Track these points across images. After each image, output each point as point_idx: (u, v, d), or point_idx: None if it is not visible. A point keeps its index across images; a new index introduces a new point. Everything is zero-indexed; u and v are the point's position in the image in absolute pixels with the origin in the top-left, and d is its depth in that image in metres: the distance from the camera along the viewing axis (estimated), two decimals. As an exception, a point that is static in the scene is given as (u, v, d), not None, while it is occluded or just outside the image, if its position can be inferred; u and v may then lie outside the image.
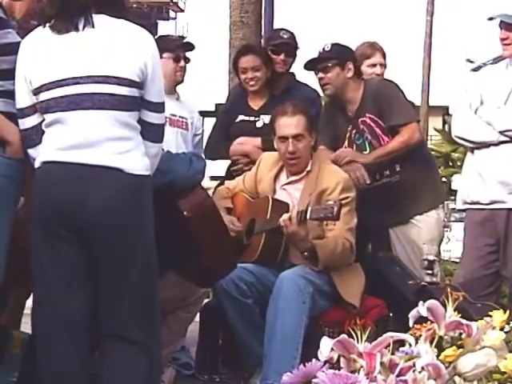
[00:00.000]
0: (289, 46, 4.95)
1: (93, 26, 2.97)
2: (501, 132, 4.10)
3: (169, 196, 3.28)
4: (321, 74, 4.58)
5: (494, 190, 4.13)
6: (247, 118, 4.87)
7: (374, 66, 5.02)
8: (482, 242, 4.20)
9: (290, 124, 4.18)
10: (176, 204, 3.35)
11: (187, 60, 4.75)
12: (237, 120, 4.89)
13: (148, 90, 3.02)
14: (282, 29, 5.14)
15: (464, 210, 4.36)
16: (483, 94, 4.23)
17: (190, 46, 4.82)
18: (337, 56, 4.56)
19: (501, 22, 4.18)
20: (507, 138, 4.10)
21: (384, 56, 5.13)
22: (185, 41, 4.97)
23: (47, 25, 3.00)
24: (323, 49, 4.60)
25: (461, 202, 4.32)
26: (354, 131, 4.60)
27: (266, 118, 4.78)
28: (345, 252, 3.97)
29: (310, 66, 4.64)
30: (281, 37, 4.96)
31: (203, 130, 5.06)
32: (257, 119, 4.85)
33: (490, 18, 4.21)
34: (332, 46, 4.61)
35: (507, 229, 4.13)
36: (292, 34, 5.02)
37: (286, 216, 3.88)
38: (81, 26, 2.97)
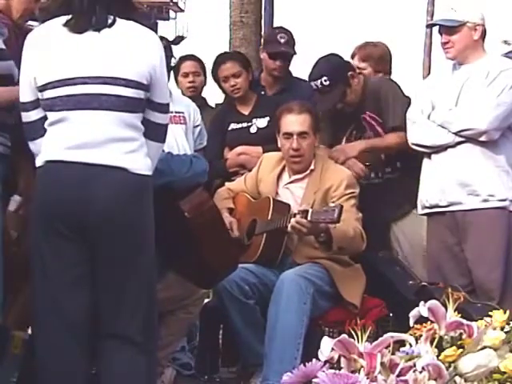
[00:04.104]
0: (285, 53, 4.91)
1: (105, 27, 2.96)
2: (456, 133, 4.09)
3: (169, 196, 3.28)
4: (339, 105, 4.53)
5: (453, 192, 4.11)
6: (239, 126, 4.81)
7: None
8: (452, 242, 4.17)
9: (295, 121, 4.17)
10: (177, 205, 3.35)
11: None
12: (229, 129, 4.83)
13: (154, 91, 3.02)
14: (280, 29, 5.08)
15: (426, 215, 4.31)
16: (433, 98, 4.22)
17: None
18: (339, 80, 4.48)
19: (440, 27, 4.19)
20: (463, 139, 4.08)
21: (368, 60, 4.95)
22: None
23: (59, 22, 2.97)
24: (321, 83, 4.45)
25: (420, 207, 4.30)
26: (354, 131, 4.59)
27: (258, 122, 4.76)
28: (357, 237, 3.97)
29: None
30: (278, 42, 4.90)
31: (204, 123, 4.99)
32: (249, 124, 4.80)
33: (430, 25, 4.22)
34: (327, 76, 4.45)
35: (464, 230, 4.12)
36: (289, 34, 4.96)
37: (293, 222, 3.83)
38: (97, 27, 2.96)
